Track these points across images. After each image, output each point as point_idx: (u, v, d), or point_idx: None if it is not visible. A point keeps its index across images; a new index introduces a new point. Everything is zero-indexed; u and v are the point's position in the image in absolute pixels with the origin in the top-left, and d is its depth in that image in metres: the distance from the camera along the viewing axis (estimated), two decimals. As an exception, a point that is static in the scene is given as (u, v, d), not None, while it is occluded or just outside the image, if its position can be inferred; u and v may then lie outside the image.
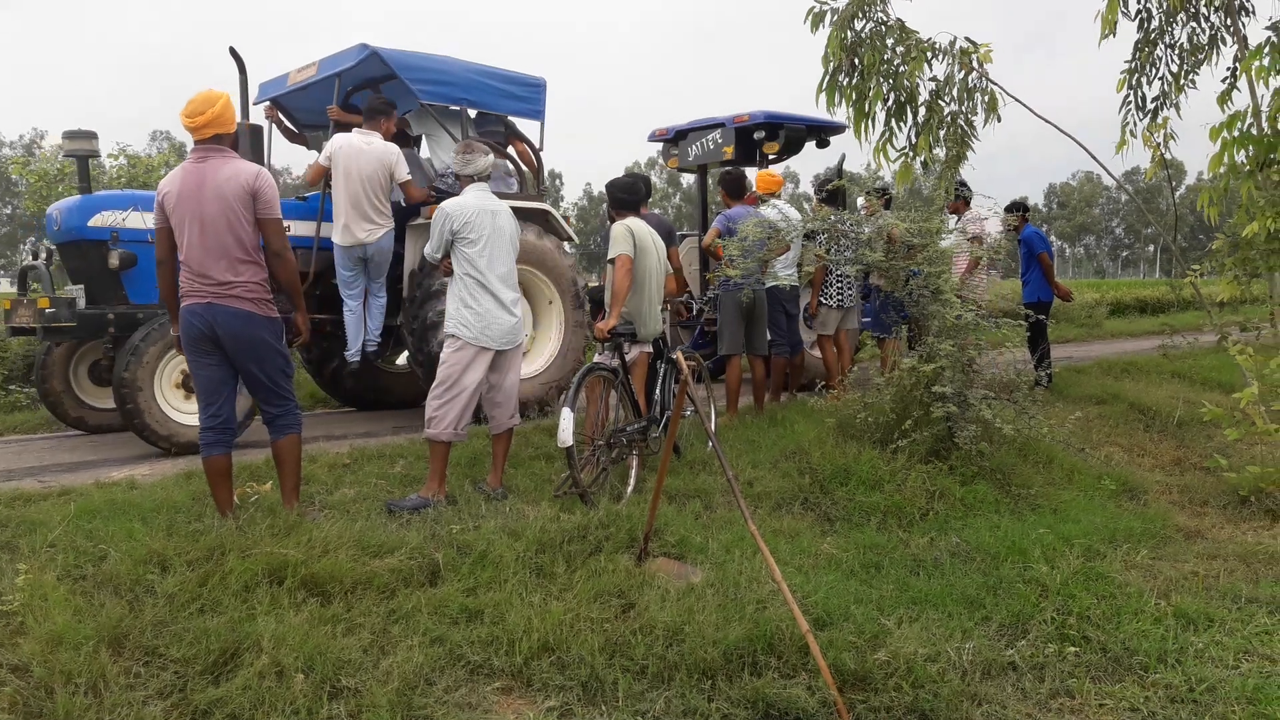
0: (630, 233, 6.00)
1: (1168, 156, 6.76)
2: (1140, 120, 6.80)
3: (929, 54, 6.01)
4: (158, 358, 6.53)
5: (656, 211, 8.37)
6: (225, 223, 4.48)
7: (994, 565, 4.64)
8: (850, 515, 5.47)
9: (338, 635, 3.61)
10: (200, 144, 4.59)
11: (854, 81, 5.98)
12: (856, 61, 5.94)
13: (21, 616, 3.54)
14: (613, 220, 6.34)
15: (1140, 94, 6.73)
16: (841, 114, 6.35)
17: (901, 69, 5.99)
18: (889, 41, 5.98)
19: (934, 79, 6.12)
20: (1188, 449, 7.81)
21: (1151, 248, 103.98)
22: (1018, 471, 6.18)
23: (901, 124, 6.32)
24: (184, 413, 6.69)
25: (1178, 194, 7.57)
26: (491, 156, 5.64)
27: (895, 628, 3.81)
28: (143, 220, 6.96)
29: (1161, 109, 6.70)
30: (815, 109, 6.17)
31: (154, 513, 4.65)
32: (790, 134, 10.45)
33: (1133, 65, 6.66)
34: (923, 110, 6.25)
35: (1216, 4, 6.19)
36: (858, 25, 5.98)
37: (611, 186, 6.43)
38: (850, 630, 3.76)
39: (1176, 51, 6.58)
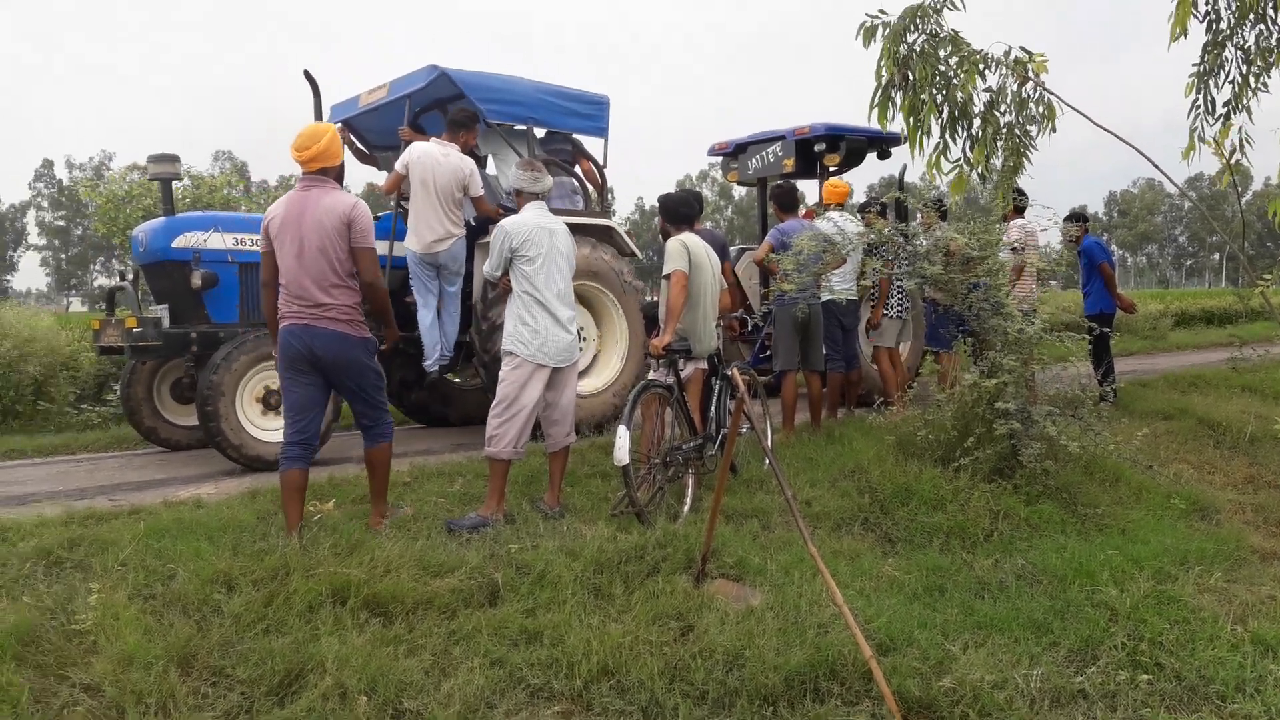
0: (685, 248, 5.99)
1: (1242, 162, 6.57)
2: (1211, 125, 6.62)
3: (982, 65, 5.93)
4: (247, 368, 6.72)
5: (709, 225, 8.37)
6: (321, 249, 4.74)
7: (1061, 588, 4.54)
8: (912, 536, 5.39)
9: (400, 656, 3.65)
10: (307, 175, 4.88)
11: (907, 95, 5.92)
12: (909, 75, 5.88)
13: (94, 636, 3.63)
14: (666, 235, 6.34)
15: (1209, 99, 6.56)
16: (895, 128, 6.30)
17: (955, 81, 5.91)
18: (942, 53, 5.90)
19: (989, 90, 6.03)
20: (1261, 466, 7.59)
21: (1217, 256, 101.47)
22: (1084, 490, 6.04)
23: (956, 136, 6.24)
24: (259, 427, 6.85)
25: (1244, 200, 7.34)
26: (552, 177, 5.70)
27: (960, 653, 3.75)
28: (223, 241, 7.18)
29: (1233, 114, 6.52)
30: (869, 122, 6.11)
31: (220, 532, 4.73)
32: (851, 146, 10.42)
33: (1201, 69, 6.50)
34: (977, 122, 6.17)
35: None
36: (910, 38, 5.92)
37: (665, 201, 6.43)
38: (914, 656, 3.71)
39: (1245, 54, 6.40)
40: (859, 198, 11.62)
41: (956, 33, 6.03)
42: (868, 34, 6.00)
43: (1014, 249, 8.86)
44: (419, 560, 4.40)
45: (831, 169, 10.63)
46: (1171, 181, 6.80)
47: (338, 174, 5.01)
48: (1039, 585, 4.62)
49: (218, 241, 7.17)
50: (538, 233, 5.42)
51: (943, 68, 5.98)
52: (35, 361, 9.43)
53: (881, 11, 5.96)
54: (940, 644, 3.83)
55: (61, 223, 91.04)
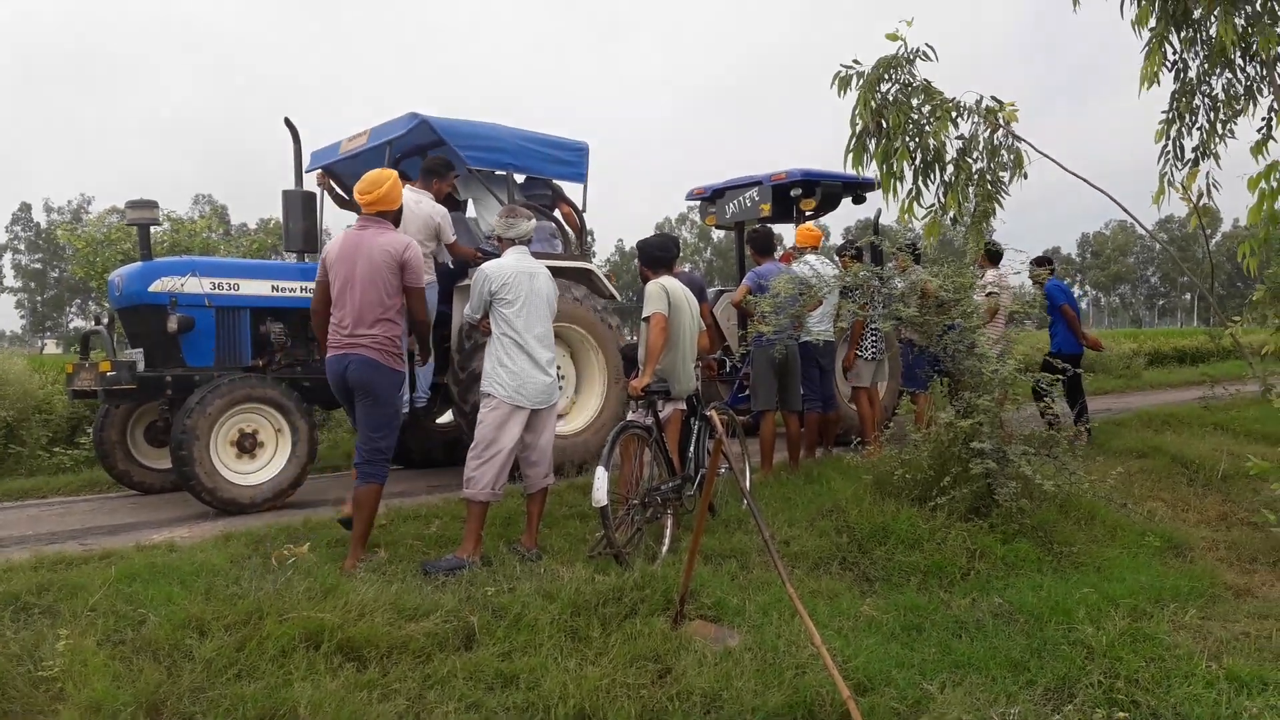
0: (665, 291, 6.04)
1: (1210, 205, 6.70)
2: (1180, 170, 6.76)
3: (955, 113, 6.05)
4: (221, 412, 6.68)
5: (688, 267, 8.44)
6: (371, 284, 5.15)
7: (1038, 626, 4.55)
8: (890, 575, 5.40)
9: (374, 701, 3.61)
10: (364, 216, 5.36)
11: (881, 143, 6.02)
12: (884, 123, 5.98)
13: (61, 683, 3.57)
14: (645, 279, 6.38)
15: (1179, 145, 6.70)
16: (869, 174, 6.40)
17: (928, 128, 6.02)
18: (915, 102, 6.02)
19: (961, 137, 6.14)
20: (1233, 503, 7.65)
21: (1189, 296, 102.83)
22: (1059, 529, 6.07)
23: (929, 182, 6.34)
24: (232, 470, 6.82)
25: (1214, 241, 7.46)
26: (534, 221, 5.76)
27: (938, 692, 3.74)
28: (200, 285, 7.16)
29: (1201, 159, 6.66)
30: (845, 167, 6.21)
31: (193, 576, 4.67)
32: (826, 191, 10.58)
33: (1170, 115, 6.65)
34: (950, 168, 6.27)
35: (1253, 55, 6.17)
36: (883, 88, 6.03)
37: (644, 245, 6.48)
38: (892, 695, 3.70)
39: (1214, 102, 6.55)
40: (835, 241, 11.74)
41: (929, 82, 6.16)
42: (842, 83, 6.12)
43: (989, 293, 8.99)
44: (394, 604, 4.36)
45: (807, 214, 10.75)
46: (1141, 225, 6.94)
47: (394, 217, 5.41)
48: (1016, 624, 4.63)
49: (195, 285, 7.15)
50: (517, 276, 5.46)
51: (915, 116, 6.10)
52: (7, 405, 9.31)
53: (856, 61, 6.09)
54: (918, 683, 3.83)
55: (38, 265, 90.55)
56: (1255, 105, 6.48)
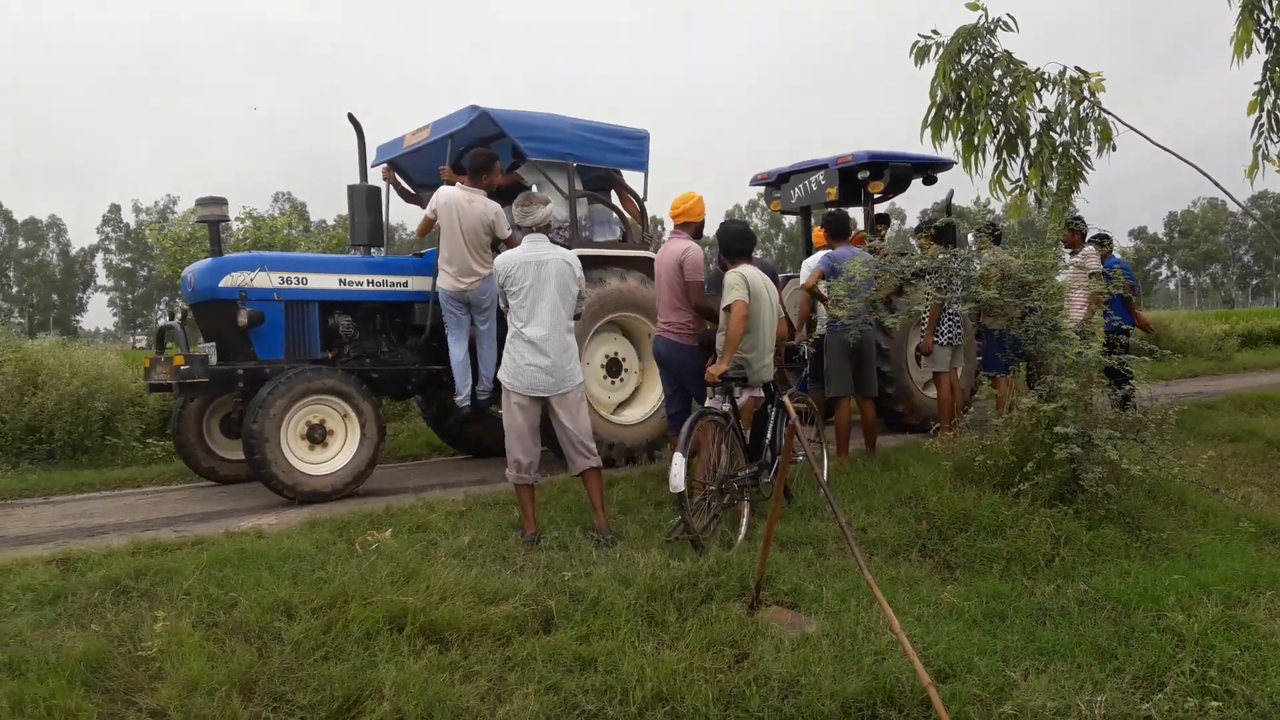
0: (744, 280, 6.01)
1: (1303, 179, 6.42)
2: (1275, 142, 6.48)
3: (1038, 85, 5.88)
4: (284, 410, 6.78)
5: (759, 254, 8.38)
6: (667, 280, 6.64)
7: (1125, 614, 4.43)
8: (971, 562, 5.30)
9: (455, 683, 3.67)
10: (676, 228, 6.84)
11: (961, 115, 5.89)
12: (964, 95, 5.85)
13: (160, 663, 3.71)
14: (724, 267, 6.35)
15: (1274, 117, 6.43)
16: (948, 149, 6.24)
17: (1010, 101, 5.87)
18: (996, 73, 5.87)
19: (1044, 110, 5.98)
20: (1335, 488, 7.35)
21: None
22: (1148, 515, 5.90)
23: (1014, 157, 6.19)
24: (307, 462, 6.93)
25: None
26: (550, 207, 5.79)
27: (1022, 680, 3.68)
28: (269, 280, 7.30)
29: (1297, 130, 6.38)
30: (920, 145, 6.08)
31: (280, 561, 4.81)
32: (895, 172, 10.34)
33: (1264, 86, 6.38)
34: (1034, 142, 6.11)
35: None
36: (964, 59, 5.90)
37: (723, 235, 6.45)
38: (974, 683, 3.64)
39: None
40: (912, 222, 11.54)
41: (1010, 53, 6.01)
42: (920, 54, 5.99)
43: (1092, 274, 8.78)
44: (474, 588, 4.44)
45: (876, 196, 10.59)
46: (1234, 199, 6.67)
47: (695, 229, 6.81)
48: (1102, 611, 4.51)
49: (264, 280, 7.28)
50: (523, 267, 5.56)
51: (996, 88, 5.95)
52: (103, 398, 9.67)
53: (935, 31, 5.95)
54: (1001, 671, 3.76)
55: (128, 265, 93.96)
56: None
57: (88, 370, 9.80)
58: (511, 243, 7.48)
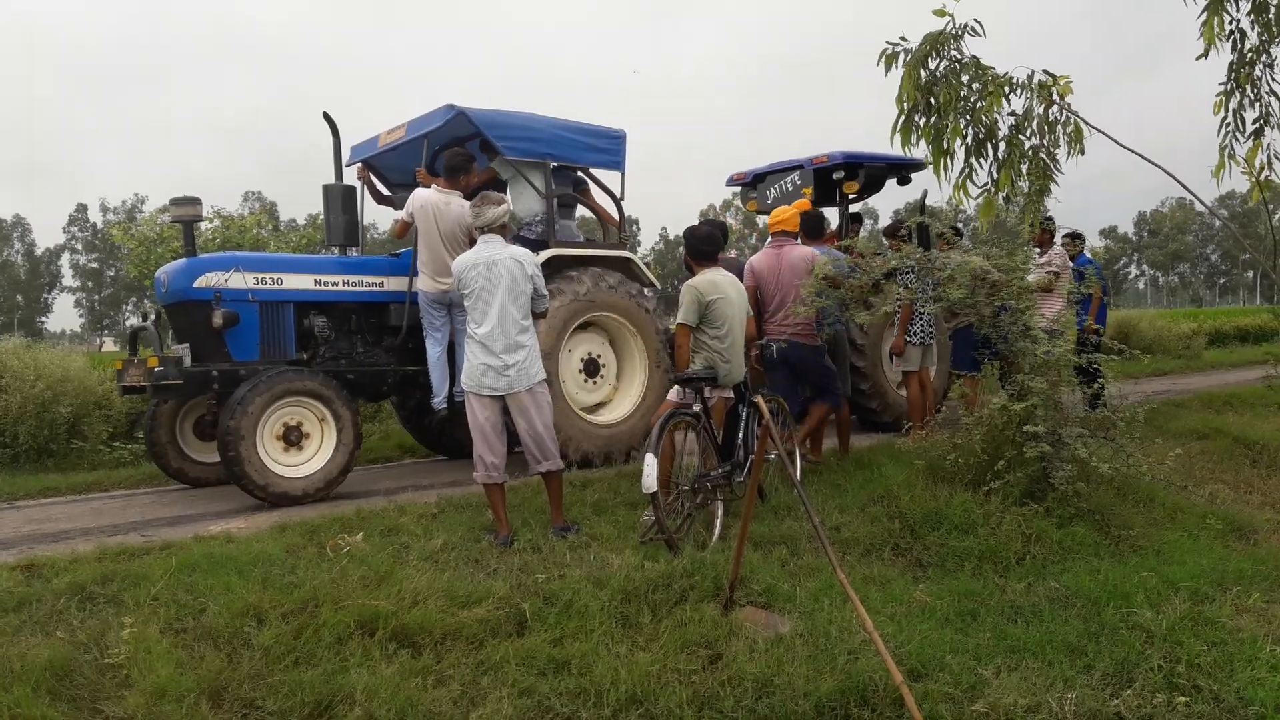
0: (697, 296, 6.01)
1: (1273, 179, 6.50)
2: (1241, 143, 6.56)
3: (1006, 89, 5.93)
4: (261, 410, 6.73)
5: (733, 253, 8.40)
6: (791, 285, 7.11)
7: (1095, 611, 4.47)
8: (943, 561, 5.33)
9: (428, 687, 3.65)
10: (775, 236, 7.53)
11: (931, 120, 5.92)
12: (932, 100, 5.88)
13: (127, 670, 3.67)
14: (690, 270, 6.34)
15: (1240, 117, 6.50)
16: (918, 153, 6.30)
17: (979, 105, 5.92)
18: (964, 78, 5.91)
19: (1013, 114, 6.02)
20: (1299, 485, 7.45)
21: (1251, 273, 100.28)
22: (1117, 512, 5.95)
23: (982, 160, 6.22)
24: (282, 464, 6.89)
25: (1277, 216, 7.27)
26: (504, 208, 5.75)
27: (993, 678, 3.70)
28: (244, 280, 7.23)
29: (1263, 131, 6.46)
30: (892, 147, 6.11)
31: (250, 565, 4.76)
32: (870, 173, 10.42)
33: (1228, 86, 6.45)
34: (1003, 146, 6.15)
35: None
36: (931, 64, 5.93)
37: (689, 237, 6.46)
38: (946, 681, 3.66)
39: (1275, 71, 6.35)
40: (884, 222, 11.62)
41: (978, 58, 6.04)
42: (889, 60, 6.02)
43: (1054, 273, 8.86)
44: (447, 591, 4.41)
45: (850, 196, 10.64)
46: (1199, 200, 6.75)
47: (793, 237, 7.57)
48: (1073, 608, 4.55)
49: (239, 281, 7.22)
50: (472, 269, 5.59)
51: (965, 92, 5.99)
52: (68, 401, 9.54)
53: (903, 38, 5.98)
54: (973, 669, 3.78)
55: (95, 265, 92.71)
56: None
57: (53, 373, 9.66)
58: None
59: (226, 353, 7.21)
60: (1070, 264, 9.61)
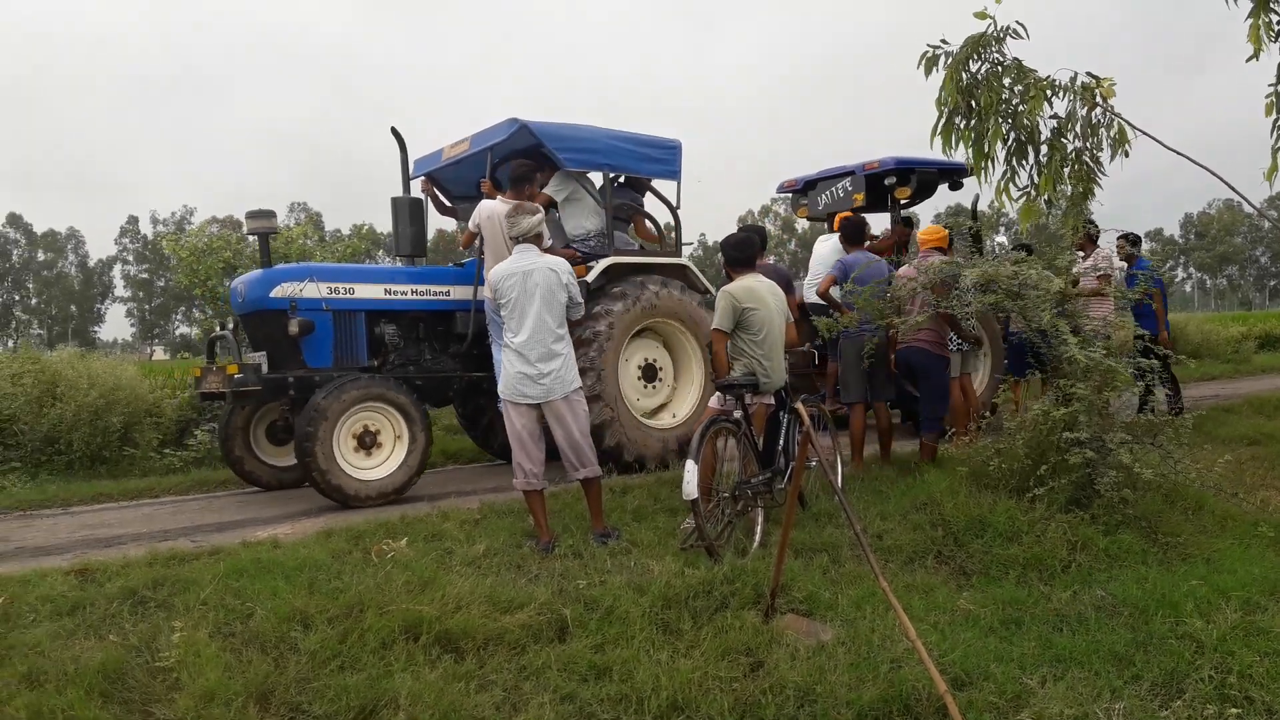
0: (732, 301, 6.00)
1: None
2: (1294, 144, 6.43)
3: (1048, 91, 5.87)
4: (338, 416, 6.95)
5: (772, 259, 8.42)
6: (921, 296, 7.11)
7: (1143, 620, 4.40)
8: (987, 569, 5.27)
9: (471, 692, 3.68)
10: (926, 252, 7.63)
11: (971, 123, 5.89)
12: (973, 103, 5.85)
13: (177, 673, 3.73)
14: (729, 277, 6.35)
15: (1292, 117, 6.37)
16: (959, 156, 6.27)
17: (1021, 108, 5.87)
18: (1006, 81, 5.87)
19: (1055, 116, 5.96)
20: (1355, 492, 7.27)
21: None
22: (1165, 519, 5.85)
23: (1023, 163, 6.18)
24: (358, 467, 7.11)
25: (1329, 219, 7.08)
26: (537, 217, 5.78)
27: (1038, 687, 3.65)
28: (318, 290, 7.51)
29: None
30: (930, 152, 6.08)
31: (296, 571, 4.84)
32: (922, 178, 10.41)
33: (1278, 87, 6.34)
34: (1044, 149, 6.10)
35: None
36: (973, 67, 5.90)
37: (725, 245, 6.47)
38: (990, 690, 3.62)
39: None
40: (925, 224, 11.55)
41: (1020, 60, 6.00)
42: (929, 64, 6.00)
43: (1100, 274, 8.75)
44: (489, 597, 4.45)
45: (902, 202, 10.60)
46: (1248, 202, 6.63)
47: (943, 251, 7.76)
48: (1119, 617, 4.48)
49: (313, 290, 7.49)
50: (508, 279, 5.64)
51: (1006, 95, 5.95)
52: (120, 409, 9.75)
53: (944, 41, 5.95)
54: (1017, 678, 3.74)
55: (145, 275, 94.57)
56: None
57: (105, 381, 9.87)
58: (552, 252, 7.64)
59: (302, 360, 7.45)
60: (1122, 266, 9.47)
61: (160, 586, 4.69)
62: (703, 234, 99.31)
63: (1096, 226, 9.37)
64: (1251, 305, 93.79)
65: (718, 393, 6.02)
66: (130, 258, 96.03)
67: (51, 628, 4.22)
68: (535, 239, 5.76)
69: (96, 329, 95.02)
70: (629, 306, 7.98)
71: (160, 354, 76.70)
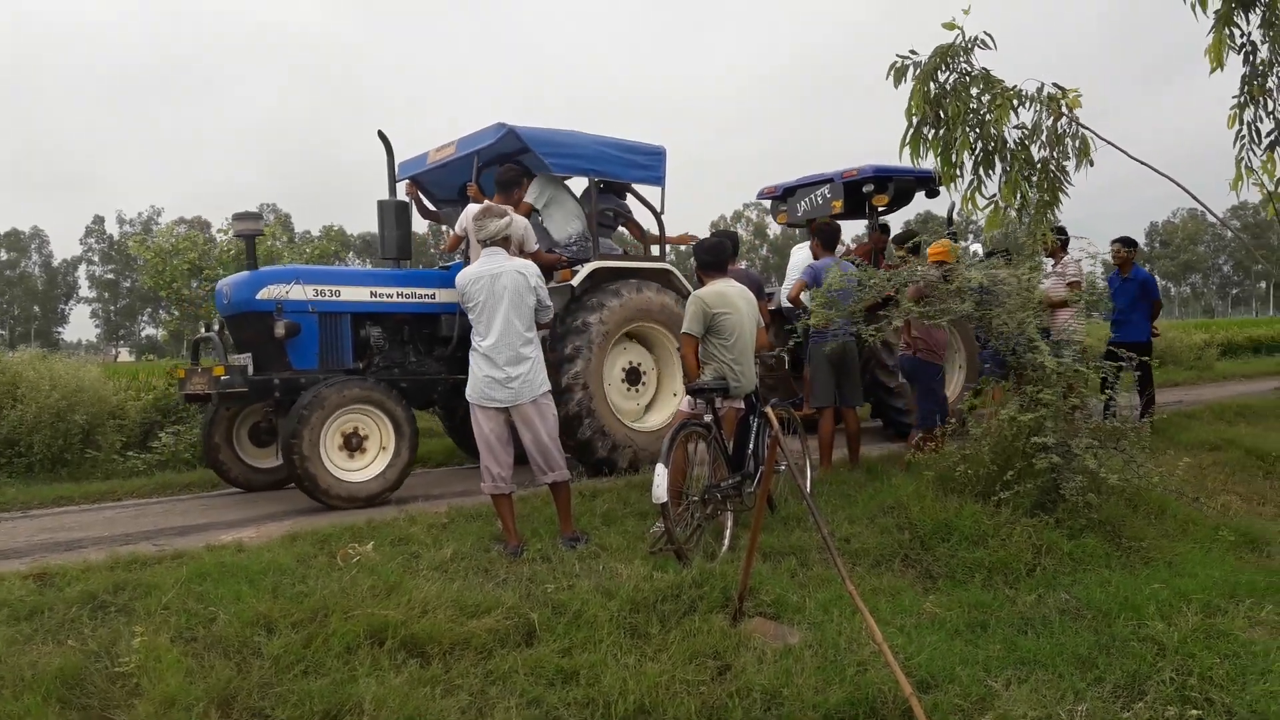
0: (703, 306, 6.01)
1: (1285, 191, 6.47)
2: (1257, 155, 6.54)
3: (1015, 101, 5.93)
4: (325, 418, 6.94)
5: (744, 264, 8.46)
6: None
7: (1106, 623, 4.46)
8: (953, 572, 5.32)
9: (437, 697, 3.66)
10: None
11: (939, 133, 5.93)
12: (941, 113, 5.90)
13: (137, 678, 3.68)
14: (700, 281, 6.36)
15: (1255, 129, 6.49)
16: (927, 165, 6.32)
17: (988, 117, 5.92)
18: (974, 91, 5.92)
19: (1021, 126, 6.03)
20: (1313, 497, 7.41)
21: (1264, 284, 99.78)
22: (1128, 524, 5.93)
23: (990, 172, 6.24)
24: (344, 469, 7.10)
25: (1290, 229, 7.22)
26: (505, 220, 5.76)
27: (1003, 689, 3.69)
28: (304, 292, 7.49)
29: (1278, 143, 6.44)
30: (899, 161, 6.12)
31: (261, 575, 4.78)
32: (899, 186, 10.62)
33: (1242, 99, 6.44)
34: (1009, 158, 6.16)
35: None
36: (941, 77, 5.95)
37: (697, 249, 6.48)
38: (956, 693, 3.65)
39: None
40: (895, 232, 11.69)
41: (988, 71, 6.05)
42: (898, 74, 6.04)
43: (1070, 282, 8.84)
44: (456, 601, 4.42)
45: (880, 209, 10.79)
46: (1210, 212, 6.72)
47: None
48: (1083, 620, 4.53)
49: (299, 293, 7.46)
50: (475, 282, 5.60)
51: (974, 105, 6.00)
52: (83, 410, 9.60)
53: (912, 51, 6.00)
54: (982, 680, 3.77)
55: (111, 276, 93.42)
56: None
57: (68, 383, 9.72)
58: (538, 256, 7.77)
59: (287, 362, 7.42)
60: (1093, 272, 9.53)
61: (121, 591, 4.62)
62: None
63: (1066, 234, 9.47)
64: (1214, 313, 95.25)
65: (688, 396, 6.02)
66: (96, 258, 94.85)
67: (8, 633, 4.14)
68: (503, 242, 5.74)
69: (60, 330, 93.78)
70: (614, 310, 8.03)
71: (125, 355, 75.65)
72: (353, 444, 7.14)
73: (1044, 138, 6.07)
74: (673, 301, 8.50)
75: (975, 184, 6.22)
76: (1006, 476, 5.97)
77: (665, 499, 5.06)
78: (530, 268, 5.72)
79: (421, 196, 9.20)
